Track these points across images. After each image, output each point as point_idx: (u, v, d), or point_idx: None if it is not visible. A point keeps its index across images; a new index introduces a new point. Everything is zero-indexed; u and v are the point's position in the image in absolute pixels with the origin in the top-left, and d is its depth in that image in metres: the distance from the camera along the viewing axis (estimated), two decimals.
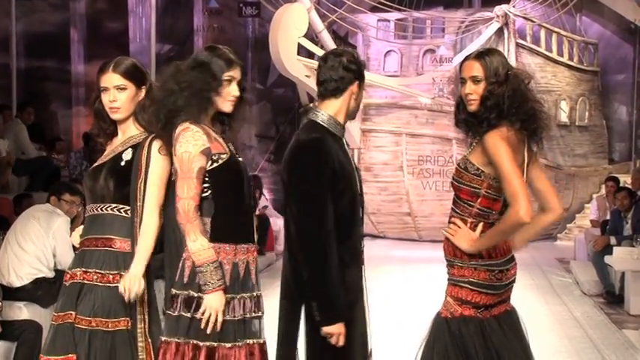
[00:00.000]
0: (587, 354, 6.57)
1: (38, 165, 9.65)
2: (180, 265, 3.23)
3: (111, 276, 3.39)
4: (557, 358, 6.49)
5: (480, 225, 3.36)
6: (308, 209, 3.20)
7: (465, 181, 3.39)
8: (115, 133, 3.58)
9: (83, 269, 3.43)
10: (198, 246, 3.15)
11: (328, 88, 3.33)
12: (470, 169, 3.37)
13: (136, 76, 3.50)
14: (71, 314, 3.41)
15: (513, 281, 3.53)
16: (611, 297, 8.78)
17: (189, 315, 3.19)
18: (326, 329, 3.20)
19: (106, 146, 3.61)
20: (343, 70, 3.31)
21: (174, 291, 3.23)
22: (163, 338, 3.25)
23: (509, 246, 3.47)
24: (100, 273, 3.40)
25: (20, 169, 9.54)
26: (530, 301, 8.97)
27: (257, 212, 12.32)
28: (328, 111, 3.36)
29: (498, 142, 3.20)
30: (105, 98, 3.48)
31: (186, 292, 3.21)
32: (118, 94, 3.45)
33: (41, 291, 5.92)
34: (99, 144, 3.63)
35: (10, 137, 9.63)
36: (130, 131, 3.53)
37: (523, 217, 3.12)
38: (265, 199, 12.77)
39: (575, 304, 8.69)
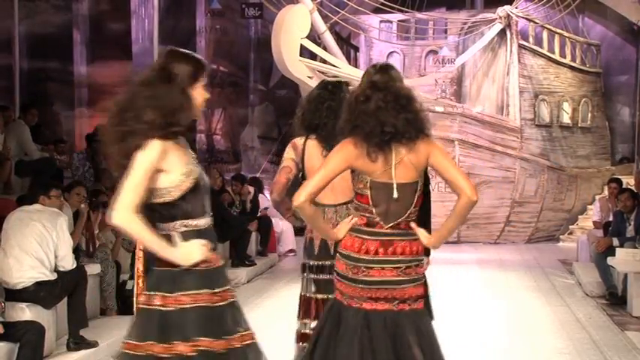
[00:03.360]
0: (590, 355, 6.56)
1: (41, 166, 9.65)
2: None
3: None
4: (560, 359, 6.48)
5: (356, 218, 3.64)
6: None
7: None
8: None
9: (227, 287, 3.29)
10: None
11: None
12: None
13: None
14: (234, 337, 3.19)
15: (382, 283, 3.57)
16: (614, 298, 8.76)
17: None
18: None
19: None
20: None
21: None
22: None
23: (397, 251, 3.58)
24: (229, 289, 3.31)
25: (23, 170, 9.54)
26: (533, 302, 8.97)
27: (259, 214, 12.32)
28: None
29: (337, 146, 3.62)
30: (205, 94, 3.32)
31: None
32: None
33: (44, 292, 5.92)
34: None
35: (13, 138, 9.63)
36: None
37: (293, 202, 3.52)
38: (267, 200, 12.75)
39: (577, 306, 8.68)
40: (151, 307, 3.16)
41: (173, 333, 3.10)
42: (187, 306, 3.12)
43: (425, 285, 4.14)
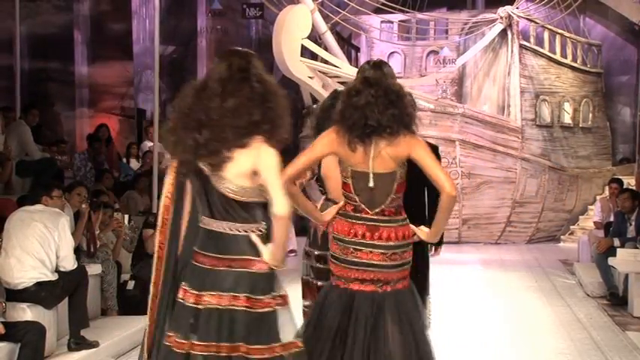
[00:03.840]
0: (591, 356, 6.56)
1: (42, 166, 9.65)
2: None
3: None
4: (561, 359, 6.49)
5: (342, 203, 3.88)
6: None
7: None
8: None
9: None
10: None
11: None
12: None
13: None
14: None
15: (369, 265, 3.74)
16: (615, 299, 8.77)
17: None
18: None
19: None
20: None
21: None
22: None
23: (383, 237, 3.75)
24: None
25: (24, 170, 9.54)
26: (534, 302, 8.97)
27: None
28: None
29: (323, 133, 3.85)
30: None
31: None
32: None
33: (45, 292, 5.92)
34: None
35: (14, 138, 9.63)
36: None
37: None
38: None
39: (578, 306, 8.68)
40: (228, 307, 3.16)
41: (267, 334, 3.15)
42: (279, 307, 3.21)
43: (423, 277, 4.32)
